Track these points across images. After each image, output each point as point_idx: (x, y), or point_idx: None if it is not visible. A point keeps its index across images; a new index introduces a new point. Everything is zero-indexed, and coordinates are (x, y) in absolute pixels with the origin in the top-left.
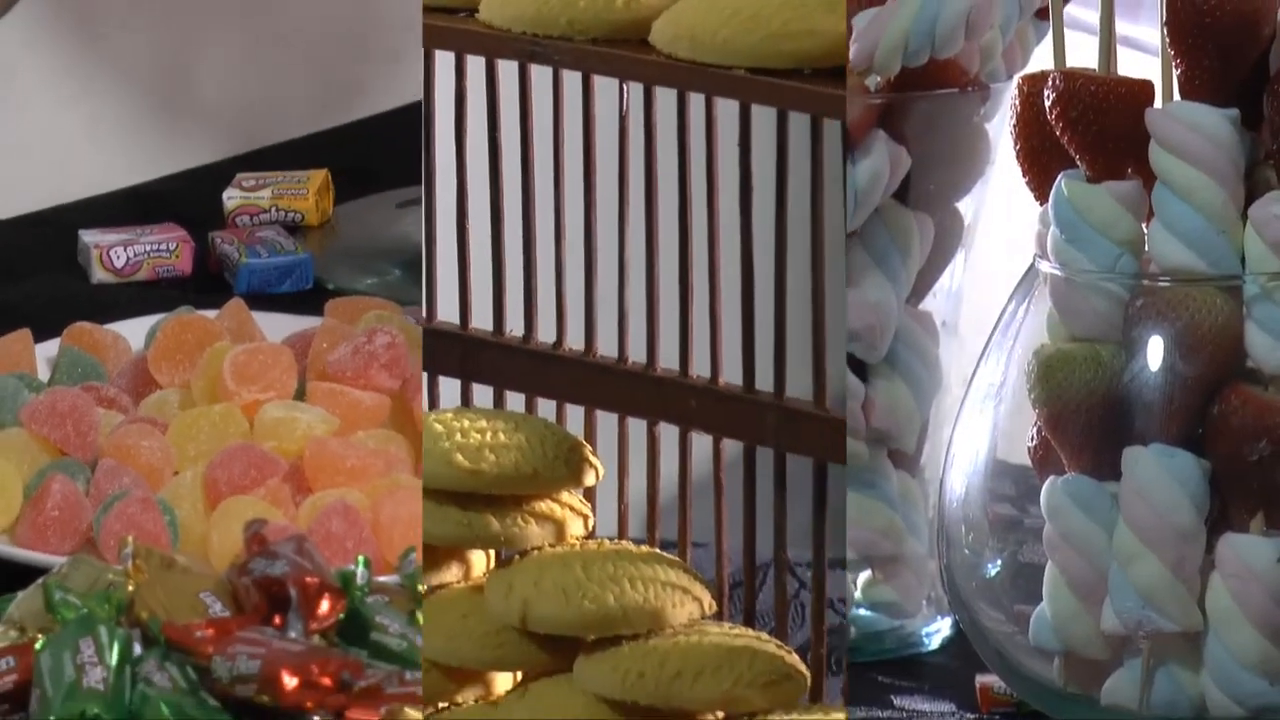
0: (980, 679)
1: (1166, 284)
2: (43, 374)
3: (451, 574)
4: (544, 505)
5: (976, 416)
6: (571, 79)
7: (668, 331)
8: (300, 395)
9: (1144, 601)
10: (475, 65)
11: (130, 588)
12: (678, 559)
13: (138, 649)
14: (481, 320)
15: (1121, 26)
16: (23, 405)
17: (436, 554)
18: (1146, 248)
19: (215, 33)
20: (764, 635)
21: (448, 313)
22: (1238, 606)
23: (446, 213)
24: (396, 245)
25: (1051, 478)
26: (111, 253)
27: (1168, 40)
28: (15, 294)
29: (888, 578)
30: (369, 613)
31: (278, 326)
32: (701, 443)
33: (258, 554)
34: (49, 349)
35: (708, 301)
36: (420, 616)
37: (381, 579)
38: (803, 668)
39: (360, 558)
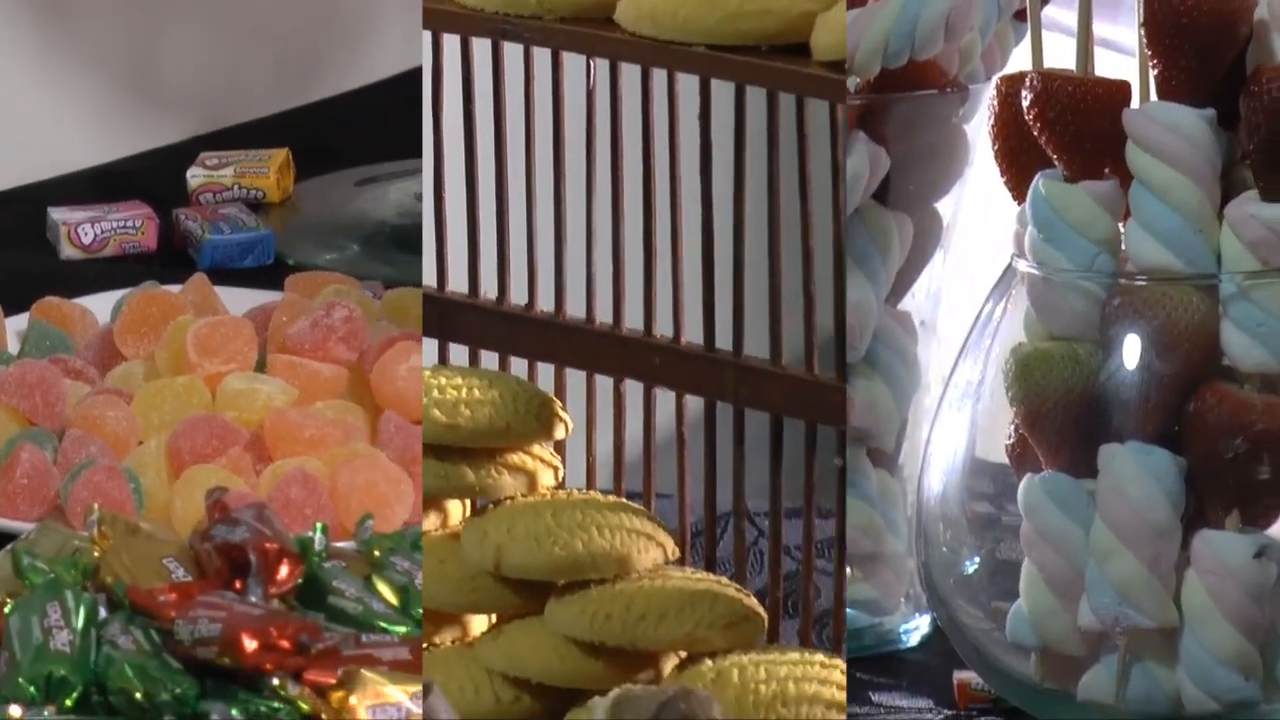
0: (958, 675)
1: (1143, 283)
2: (12, 347)
3: (430, 522)
4: (516, 457)
5: (955, 415)
6: (541, 55)
7: (633, 294)
8: (261, 367)
9: (1120, 598)
10: (451, 43)
11: (96, 553)
12: (643, 508)
13: (103, 613)
14: (458, 284)
15: (1099, 28)
16: None
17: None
18: (1123, 247)
19: (179, 16)
20: (724, 580)
21: (427, 276)
22: (1213, 603)
23: (424, 180)
24: (355, 222)
25: (1029, 475)
26: (79, 229)
27: (1145, 41)
28: (5, 265)
29: (867, 575)
30: (326, 577)
31: (239, 301)
32: (665, 399)
33: (219, 521)
34: (18, 323)
35: (670, 265)
36: (376, 581)
37: (338, 545)
38: (760, 610)
39: (318, 524)
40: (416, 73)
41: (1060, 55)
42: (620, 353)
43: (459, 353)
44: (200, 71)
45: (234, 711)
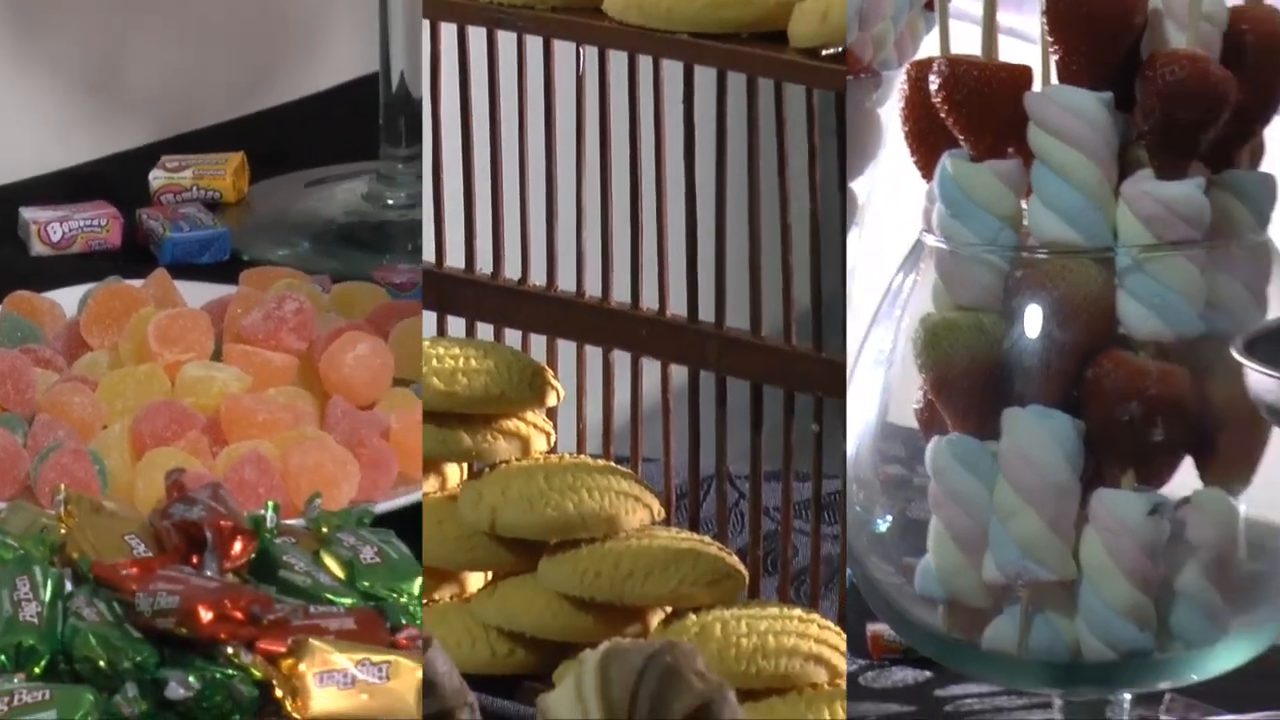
0: (871, 628)
1: (1044, 256)
2: None
3: (429, 485)
4: (511, 424)
5: (868, 382)
6: (534, 43)
7: (620, 268)
8: (217, 356)
9: (1023, 553)
10: (448, 32)
11: (63, 530)
12: (630, 472)
13: (69, 586)
14: (455, 260)
15: (1005, 17)
16: None
17: None
18: (1026, 222)
19: (143, 28)
20: (707, 539)
21: (425, 252)
22: (1110, 558)
23: (423, 160)
24: (306, 220)
25: (936, 438)
26: (48, 228)
27: (1047, 29)
28: None
29: None
30: (277, 553)
31: (198, 294)
32: (651, 368)
33: (178, 500)
34: None
35: (656, 241)
36: (323, 556)
37: (289, 522)
38: (741, 568)
39: (270, 503)
40: (362, 80)
41: (967, 43)
42: (609, 324)
43: (456, 325)
44: (161, 80)
45: (191, 678)
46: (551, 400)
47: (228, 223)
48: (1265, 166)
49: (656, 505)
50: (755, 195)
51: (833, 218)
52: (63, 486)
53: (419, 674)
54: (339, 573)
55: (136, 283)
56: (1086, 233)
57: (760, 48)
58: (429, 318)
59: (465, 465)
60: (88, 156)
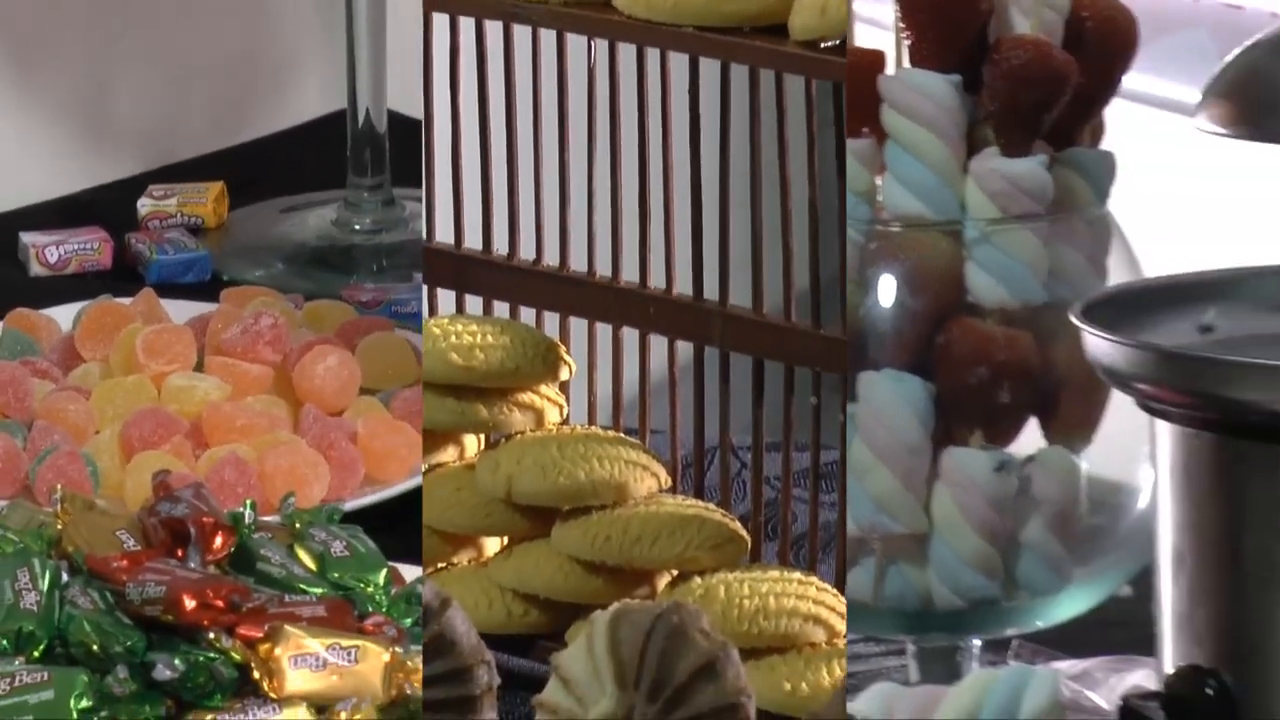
0: None
1: (897, 229)
2: None
3: (448, 455)
4: (525, 396)
5: None
6: (547, 36)
7: (629, 249)
8: (199, 367)
9: (876, 508)
10: (466, 25)
11: (59, 526)
12: (638, 442)
13: (65, 577)
14: (473, 241)
15: (863, 6)
16: None
17: (435, 438)
18: (880, 197)
19: (130, 68)
20: (711, 506)
21: (444, 235)
22: (959, 512)
23: (443, 149)
24: (280, 244)
25: None
26: (45, 250)
27: (899, 15)
28: None
29: None
30: (255, 547)
31: (181, 311)
32: (659, 345)
33: (163, 498)
34: None
35: (663, 224)
36: (297, 550)
37: (265, 519)
38: (744, 533)
39: (248, 501)
40: (331, 116)
41: None
42: (618, 303)
43: (474, 303)
44: (148, 116)
45: (176, 661)
46: (564, 374)
47: (209, 246)
48: (1105, 145)
49: (663, 474)
50: (757, 181)
51: (831, 202)
52: (59, 486)
53: (385, 657)
54: (311, 565)
55: (125, 301)
56: (936, 207)
57: (762, 40)
58: (448, 296)
59: (483, 436)
60: (81, 186)
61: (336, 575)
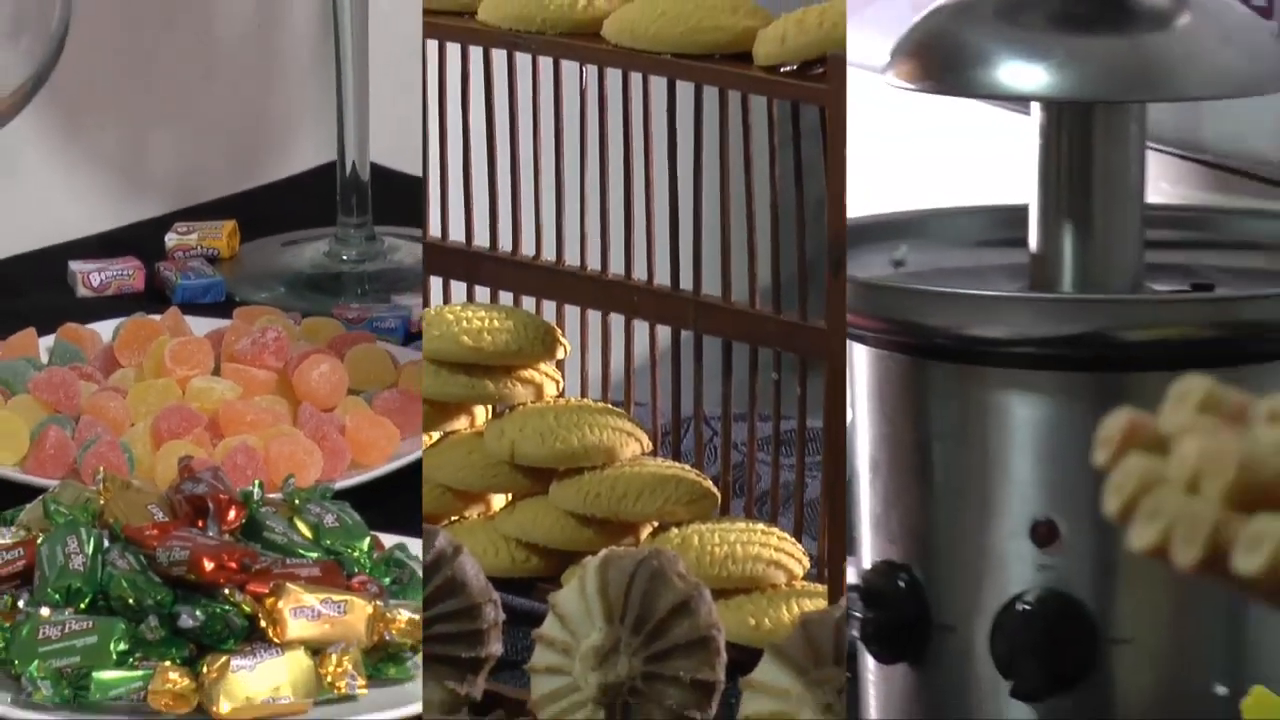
0: None
1: None
2: (44, 358)
3: (460, 423)
4: (527, 373)
5: None
6: (545, 62)
7: (616, 246)
8: (217, 372)
9: None
10: (475, 53)
11: (101, 502)
12: (624, 412)
13: (106, 543)
14: (481, 239)
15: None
16: (30, 379)
17: (448, 409)
18: None
19: (160, 125)
20: (686, 468)
21: (457, 234)
22: None
23: (455, 160)
24: (282, 271)
25: None
26: (90, 276)
27: None
28: (25, 304)
29: None
30: (261, 519)
31: (202, 326)
32: (641, 329)
33: (187, 479)
34: (48, 341)
35: (645, 224)
36: (296, 521)
37: (270, 496)
38: (715, 491)
39: (256, 481)
40: (323, 167)
41: None
42: (606, 292)
43: (482, 293)
44: (175, 166)
45: (197, 612)
46: (560, 354)
47: (224, 273)
48: None
49: (645, 440)
50: (726, 187)
51: (789, 206)
52: (101, 469)
53: (368, 609)
54: (307, 534)
55: (156, 317)
56: None
57: (730, 66)
58: (460, 287)
59: (490, 407)
60: (119, 224)
61: (328, 542)
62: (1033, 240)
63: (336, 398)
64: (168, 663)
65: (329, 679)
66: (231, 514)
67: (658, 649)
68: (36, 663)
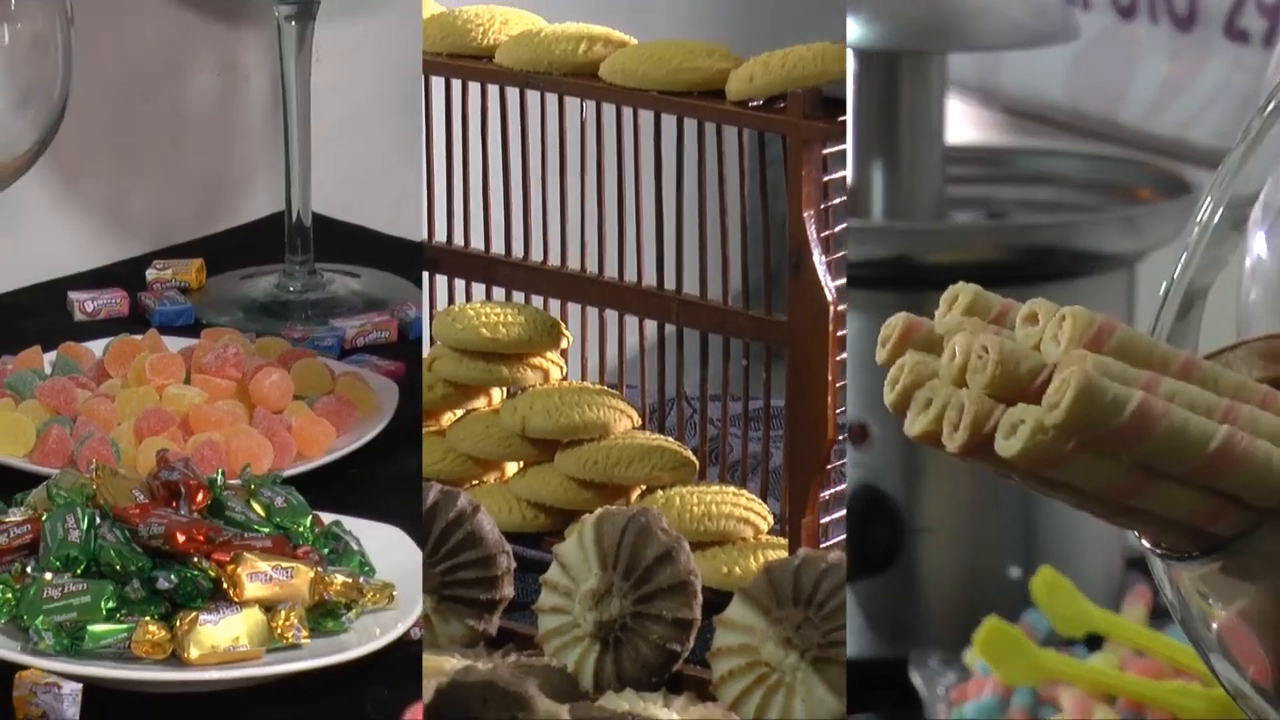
0: None
1: None
2: (47, 370)
3: (480, 402)
4: (536, 360)
5: None
6: (551, 98)
7: (610, 253)
8: (187, 381)
9: None
10: (493, 91)
11: (94, 486)
12: (618, 393)
13: (98, 520)
14: (498, 248)
15: None
16: (36, 387)
17: (470, 390)
18: None
19: (141, 177)
20: (670, 440)
21: (477, 243)
22: None
23: (476, 179)
24: (240, 300)
25: None
26: (85, 304)
27: None
28: (32, 326)
29: None
30: (223, 500)
31: (175, 344)
32: (632, 323)
33: (163, 468)
34: (50, 356)
35: (635, 235)
36: (252, 503)
37: (231, 482)
38: (694, 459)
39: (219, 470)
40: (274, 215)
41: None
42: (603, 292)
43: (498, 293)
44: (153, 213)
45: (172, 576)
46: (563, 344)
47: (193, 301)
48: None
49: (635, 416)
50: (703, 204)
51: (757, 219)
52: (94, 460)
53: (310, 574)
54: (261, 513)
55: (138, 337)
56: None
57: (706, 101)
58: (479, 288)
59: (505, 389)
60: (108, 261)
61: (278, 520)
62: (848, 176)
63: (284, 402)
64: (147, 618)
65: (279, 631)
66: (199, 496)
67: (644, 592)
68: (41, 617)
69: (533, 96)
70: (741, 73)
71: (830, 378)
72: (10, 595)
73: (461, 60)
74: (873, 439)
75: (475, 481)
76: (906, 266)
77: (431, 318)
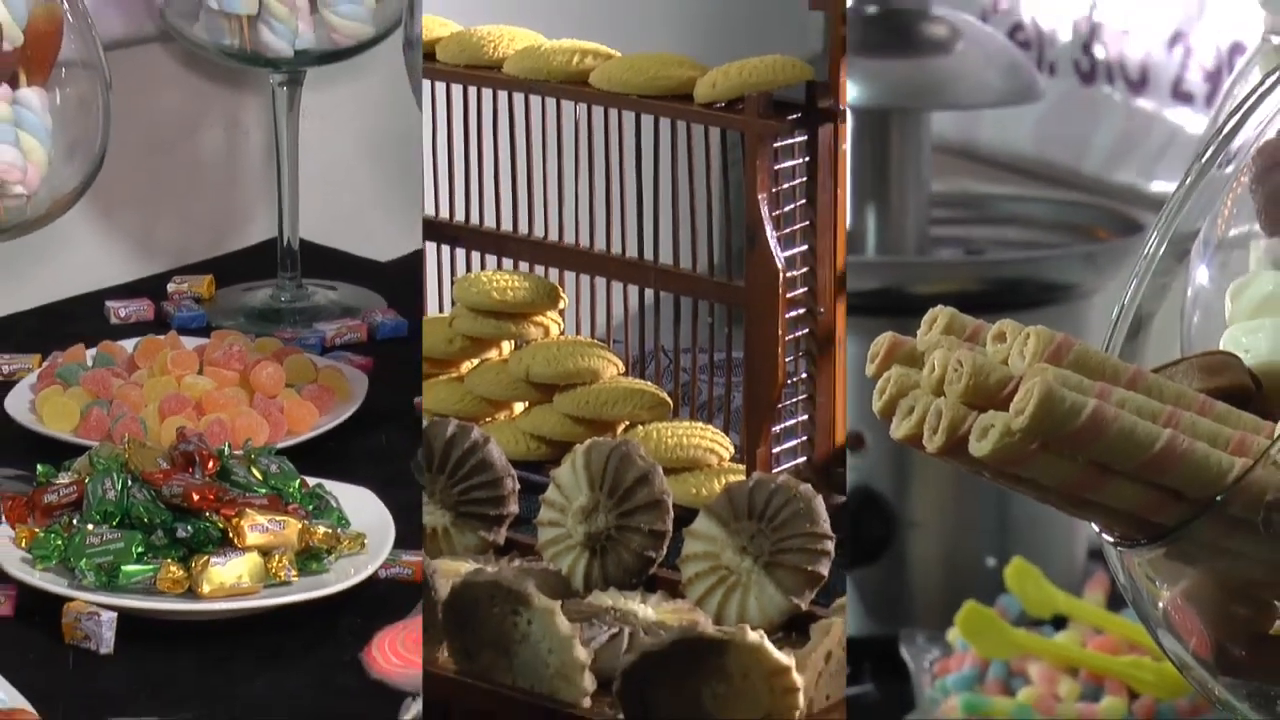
0: None
1: None
2: (89, 363)
3: (492, 354)
4: (538, 319)
5: None
6: (550, 102)
7: (600, 230)
8: (200, 372)
9: None
10: (502, 96)
11: (126, 456)
12: (606, 345)
13: (129, 483)
14: (506, 226)
15: None
16: (80, 376)
17: (484, 343)
18: None
19: (164, 213)
20: (649, 384)
21: (490, 221)
22: None
23: (489, 171)
24: (242, 307)
25: None
26: (119, 310)
27: None
28: (77, 328)
29: None
30: (230, 467)
31: (191, 343)
32: (617, 288)
33: (181, 441)
34: (91, 353)
35: (620, 214)
36: (252, 469)
37: (235, 453)
38: (669, 400)
39: (226, 443)
40: (269, 241)
41: None
42: (594, 262)
43: (507, 263)
44: (174, 237)
45: (189, 527)
46: (561, 305)
47: (204, 309)
48: None
49: (620, 365)
50: (676, 190)
51: (719, 203)
52: (126, 435)
53: (298, 526)
54: (259, 477)
55: (161, 337)
56: None
57: (678, 104)
58: (491, 259)
59: (513, 342)
60: (137, 277)
61: (272, 483)
62: (848, 218)
63: (278, 389)
64: (169, 560)
65: (273, 571)
66: (210, 464)
67: (625, 508)
68: (84, 560)
69: (534, 100)
70: (706, 80)
71: (780, 332)
72: (60, 542)
73: (476, 70)
74: (868, 446)
75: (488, 419)
76: (896, 296)
77: (453, 283)
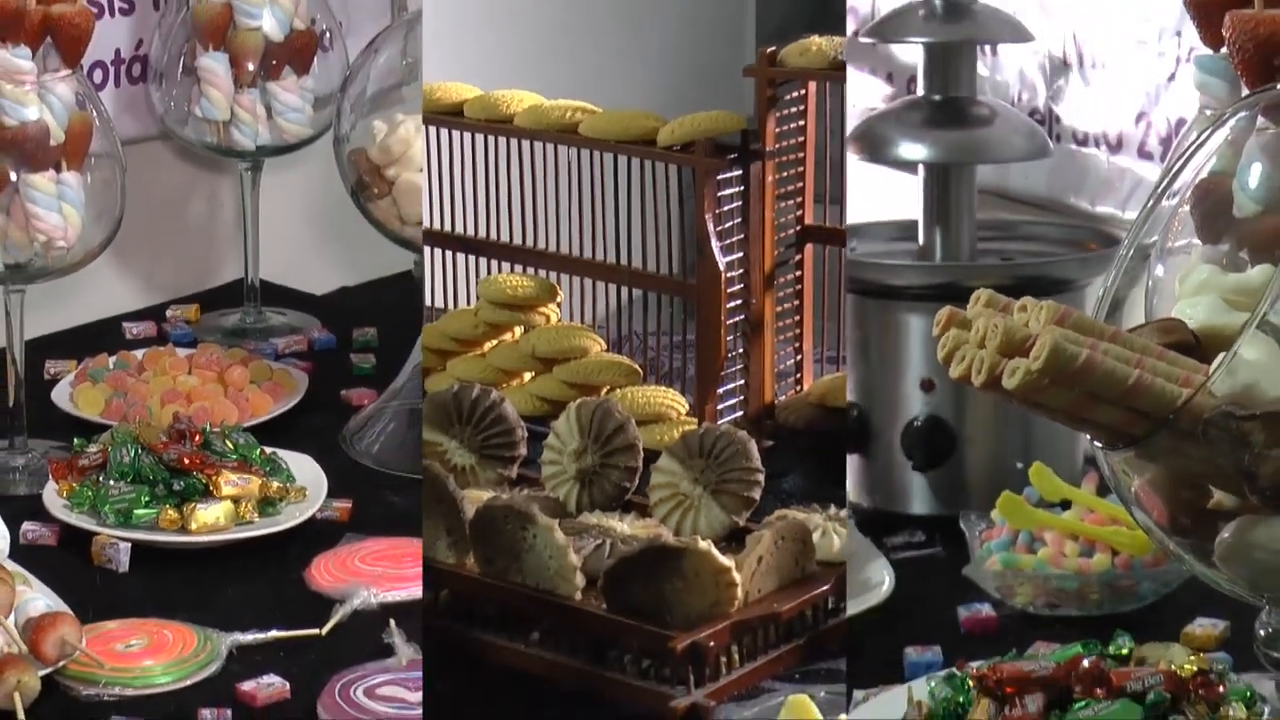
0: None
1: None
2: (110, 367)
3: (507, 336)
4: (541, 310)
5: None
6: (550, 146)
7: (588, 241)
8: (190, 373)
9: None
10: (513, 143)
11: (137, 433)
12: (592, 330)
13: (139, 451)
14: (518, 240)
15: None
16: (104, 376)
17: (500, 328)
18: None
19: (162, 259)
20: (625, 358)
21: (504, 236)
22: None
23: (502, 197)
24: (219, 328)
25: None
26: (131, 329)
27: None
28: (101, 343)
29: None
30: (211, 440)
31: (183, 353)
32: (600, 286)
33: (175, 422)
34: (112, 360)
35: (603, 230)
36: (227, 441)
37: (214, 429)
38: (640, 370)
39: (208, 423)
40: (237, 281)
41: None
42: (582, 266)
43: (518, 267)
44: (170, 277)
45: (181, 482)
46: (558, 300)
47: (193, 329)
48: None
49: (603, 344)
50: (644, 211)
51: (676, 221)
52: (137, 418)
53: (259, 482)
54: (231, 447)
55: (162, 349)
56: None
57: (645, 147)
58: (505, 265)
59: (522, 327)
60: (144, 305)
61: (241, 451)
62: (920, 237)
63: (245, 384)
64: (168, 506)
65: (241, 514)
66: (196, 438)
67: (607, 450)
68: (108, 505)
69: (538, 145)
70: (666, 129)
71: (722, 319)
72: (90, 493)
73: (494, 123)
74: (936, 389)
75: (504, 385)
76: (954, 288)
77: (478, 283)
